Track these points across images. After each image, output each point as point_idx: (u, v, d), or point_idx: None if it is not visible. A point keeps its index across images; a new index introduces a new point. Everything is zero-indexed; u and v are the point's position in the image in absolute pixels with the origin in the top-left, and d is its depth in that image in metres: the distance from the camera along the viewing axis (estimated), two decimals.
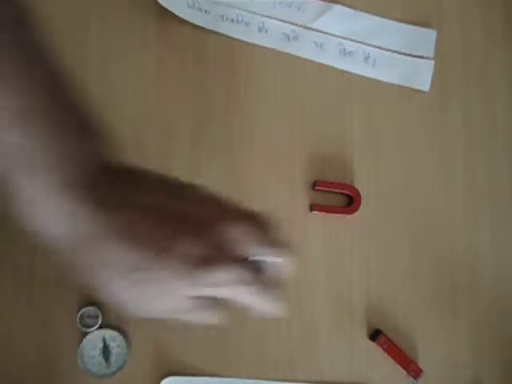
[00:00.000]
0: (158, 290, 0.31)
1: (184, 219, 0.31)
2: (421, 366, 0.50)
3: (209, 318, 0.34)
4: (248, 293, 0.32)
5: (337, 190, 0.52)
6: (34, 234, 0.30)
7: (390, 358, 0.50)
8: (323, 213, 0.51)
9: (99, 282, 0.31)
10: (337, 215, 0.52)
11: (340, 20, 0.55)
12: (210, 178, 0.51)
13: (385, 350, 0.50)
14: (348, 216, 0.52)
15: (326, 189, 0.51)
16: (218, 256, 0.31)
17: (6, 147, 0.28)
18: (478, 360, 0.52)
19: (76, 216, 0.29)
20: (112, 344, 0.46)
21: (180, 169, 0.50)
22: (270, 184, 0.52)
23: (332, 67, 0.54)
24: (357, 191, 0.52)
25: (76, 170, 0.29)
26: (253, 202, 0.51)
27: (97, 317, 0.46)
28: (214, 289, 0.31)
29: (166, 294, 0.31)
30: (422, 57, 0.56)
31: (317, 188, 0.51)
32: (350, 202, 0.52)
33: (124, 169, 0.32)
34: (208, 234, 0.31)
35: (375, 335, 0.50)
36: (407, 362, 0.50)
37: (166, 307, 0.32)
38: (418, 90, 0.55)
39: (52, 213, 0.29)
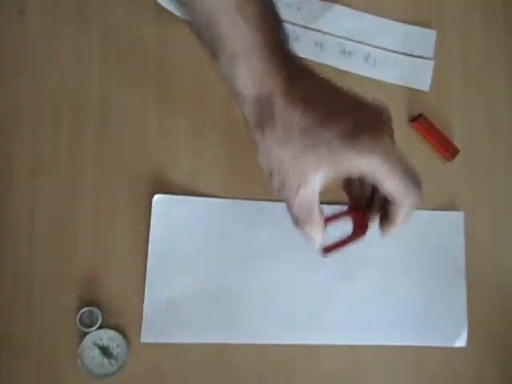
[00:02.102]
0: (323, 157, 0.33)
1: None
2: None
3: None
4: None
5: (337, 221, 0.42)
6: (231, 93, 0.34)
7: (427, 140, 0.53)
8: (334, 252, 0.42)
9: (267, 145, 0.35)
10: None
11: (340, 20, 0.55)
12: (212, 178, 0.51)
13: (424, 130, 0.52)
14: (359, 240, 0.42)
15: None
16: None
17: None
18: None
19: (267, 75, 0.33)
20: (112, 344, 0.46)
21: (181, 169, 0.50)
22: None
23: (332, 67, 0.54)
24: (361, 215, 0.42)
25: (279, 34, 0.35)
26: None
27: (97, 317, 0.46)
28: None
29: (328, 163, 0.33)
30: (422, 57, 0.56)
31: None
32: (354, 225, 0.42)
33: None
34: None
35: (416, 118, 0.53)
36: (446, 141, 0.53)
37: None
38: (418, 90, 0.55)
39: (248, 70, 0.33)
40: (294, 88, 0.33)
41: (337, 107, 0.34)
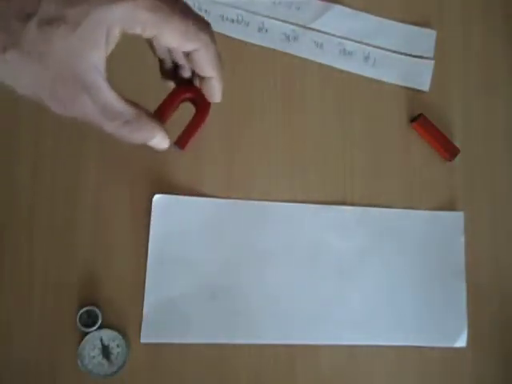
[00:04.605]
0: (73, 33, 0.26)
1: None
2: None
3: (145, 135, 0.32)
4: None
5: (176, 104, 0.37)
6: None
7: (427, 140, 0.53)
8: (191, 141, 0.37)
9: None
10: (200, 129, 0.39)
11: (340, 20, 0.55)
12: (212, 178, 0.51)
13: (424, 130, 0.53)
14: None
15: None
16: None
17: None
18: None
19: None
20: (112, 344, 0.46)
21: (181, 169, 0.50)
22: (270, 183, 0.52)
23: (332, 67, 0.54)
24: (196, 90, 0.37)
25: None
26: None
27: (97, 317, 0.46)
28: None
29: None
30: (421, 57, 0.56)
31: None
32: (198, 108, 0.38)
33: None
34: None
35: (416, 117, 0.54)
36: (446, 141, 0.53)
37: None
38: (418, 90, 0.55)
39: None
40: None
41: None
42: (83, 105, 0.28)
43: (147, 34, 0.29)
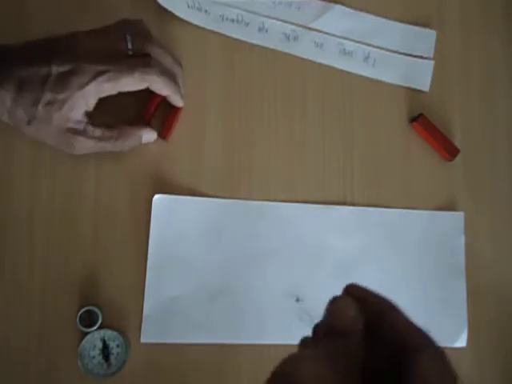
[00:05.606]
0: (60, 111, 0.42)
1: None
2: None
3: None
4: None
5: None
6: None
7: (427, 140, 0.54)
8: (171, 132, 0.50)
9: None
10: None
11: (340, 20, 0.55)
12: (212, 178, 0.51)
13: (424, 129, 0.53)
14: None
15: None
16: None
17: None
18: None
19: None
20: (112, 344, 0.46)
21: (181, 169, 0.50)
22: (270, 183, 0.52)
23: (332, 67, 0.54)
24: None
25: None
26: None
27: (97, 317, 0.46)
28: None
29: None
30: (421, 57, 0.56)
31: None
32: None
33: None
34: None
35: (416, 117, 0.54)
36: (446, 141, 0.53)
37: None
38: (418, 90, 0.55)
39: None
40: None
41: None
42: (83, 143, 0.44)
43: (113, 92, 0.44)
